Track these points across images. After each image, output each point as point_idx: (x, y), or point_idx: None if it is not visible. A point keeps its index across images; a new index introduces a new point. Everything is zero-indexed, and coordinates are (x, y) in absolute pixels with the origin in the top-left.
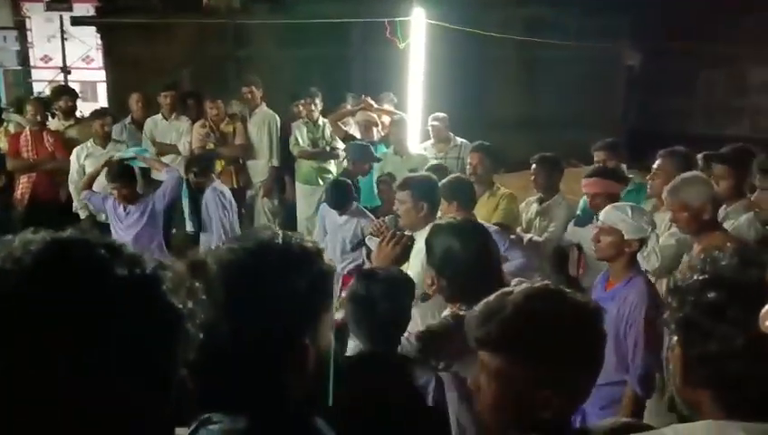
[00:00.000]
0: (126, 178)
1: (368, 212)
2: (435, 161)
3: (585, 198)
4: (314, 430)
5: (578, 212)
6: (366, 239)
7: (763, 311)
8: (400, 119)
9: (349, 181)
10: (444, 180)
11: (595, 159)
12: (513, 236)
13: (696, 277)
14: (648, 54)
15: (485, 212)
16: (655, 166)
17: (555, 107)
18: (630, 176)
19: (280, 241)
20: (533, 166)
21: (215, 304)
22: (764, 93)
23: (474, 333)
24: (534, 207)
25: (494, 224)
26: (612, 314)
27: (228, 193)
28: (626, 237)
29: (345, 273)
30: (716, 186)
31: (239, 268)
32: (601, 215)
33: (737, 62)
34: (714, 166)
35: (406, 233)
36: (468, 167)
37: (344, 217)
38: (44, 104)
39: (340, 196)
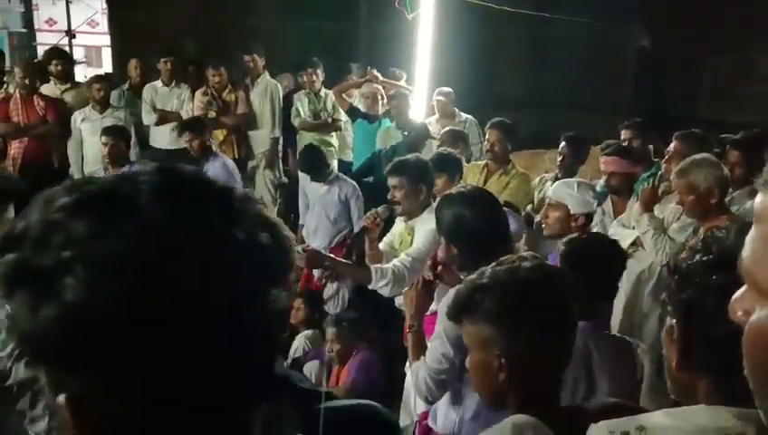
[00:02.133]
0: (119, 134)
1: (347, 178)
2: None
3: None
4: None
5: (597, 189)
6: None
7: (733, 299)
8: (400, 92)
9: (320, 147)
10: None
11: (622, 137)
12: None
13: (699, 258)
14: (657, 36)
15: (495, 190)
16: (670, 148)
17: (564, 86)
18: (656, 160)
19: None
20: (562, 144)
21: None
22: None
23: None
24: (549, 184)
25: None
26: None
27: (232, 163)
28: (572, 211)
29: (334, 245)
30: (729, 170)
31: None
32: (550, 190)
33: (744, 48)
34: (729, 151)
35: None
36: (486, 143)
37: (325, 187)
38: (38, 68)
39: (313, 161)
